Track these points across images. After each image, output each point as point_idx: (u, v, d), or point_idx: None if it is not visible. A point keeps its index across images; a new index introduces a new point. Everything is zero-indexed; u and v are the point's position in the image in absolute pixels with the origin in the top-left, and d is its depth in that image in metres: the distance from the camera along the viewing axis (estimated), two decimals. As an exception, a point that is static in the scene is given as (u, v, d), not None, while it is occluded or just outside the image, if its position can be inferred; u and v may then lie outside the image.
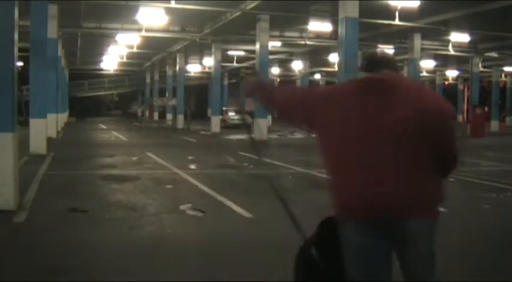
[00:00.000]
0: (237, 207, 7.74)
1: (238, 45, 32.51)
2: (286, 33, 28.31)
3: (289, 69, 46.36)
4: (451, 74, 46.35)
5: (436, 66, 39.69)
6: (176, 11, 21.06)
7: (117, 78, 63.62)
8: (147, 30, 24.43)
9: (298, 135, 27.94)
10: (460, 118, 43.74)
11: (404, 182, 2.50)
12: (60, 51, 28.86)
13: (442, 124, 2.57)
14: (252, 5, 20.09)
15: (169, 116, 45.28)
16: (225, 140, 24.42)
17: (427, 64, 36.17)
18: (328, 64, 38.00)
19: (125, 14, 23.11)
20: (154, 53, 39.74)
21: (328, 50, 31.10)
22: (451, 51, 28.30)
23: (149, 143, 21.55)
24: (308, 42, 27.93)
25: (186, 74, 42.53)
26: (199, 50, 35.63)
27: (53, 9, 19.48)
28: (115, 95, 75.36)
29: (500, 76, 42.57)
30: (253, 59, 29.78)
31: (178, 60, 37.74)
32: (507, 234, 6.67)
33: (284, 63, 44.10)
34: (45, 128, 16.16)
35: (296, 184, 10.36)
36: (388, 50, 31.42)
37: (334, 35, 22.51)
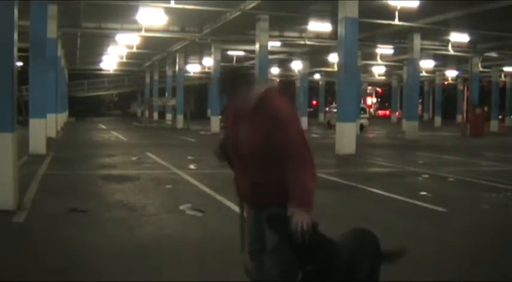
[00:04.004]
0: (237, 207, 7.72)
1: (237, 45, 32.52)
2: (286, 33, 28.32)
3: (289, 69, 46.40)
4: (451, 74, 46.39)
5: (435, 66, 39.73)
6: (176, 11, 21.07)
7: (116, 78, 63.68)
8: (146, 30, 24.43)
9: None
10: (459, 118, 43.84)
11: None
12: (60, 51, 28.86)
13: None
14: (252, 5, 20.08)
15: (169, 116, 45.31)
16: (225, 140, 24.38)
17: (427, 64, 36.20)
18: (327, 64, 38.04)
19: (125, 14, 23.12)
20: (154, 53, 39.75)
21: (328, 50, 31.11)
22: (451, 51, 28.33)
23: (149, 143, 21.55)
24: (308, 42, 27.95)
25: (186, 74, 42.54)
26: (198, 50, 35.66)
27: (52, 9, 19.48)
28: (115, 95, 75.41)
29: (500, 76, 42.59)
30: (252, 59, 29.78)
31: (178, 60, 37.74)
32: (507, 234, 6.67)
33: (284, 63, 44.13)
34: (44, 128, 16.16)
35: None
36: (387, 49, 31.55)
37: (334, 35, 22.52)
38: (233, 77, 3.15)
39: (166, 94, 44.52)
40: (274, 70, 47.83)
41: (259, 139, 3.02)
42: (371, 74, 47.60)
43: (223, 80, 3.17)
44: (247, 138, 3.10)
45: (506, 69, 39.61)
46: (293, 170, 2.93)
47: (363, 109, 34.84)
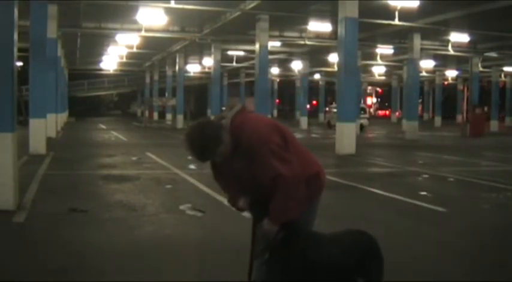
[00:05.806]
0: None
1: (237, 45, 32.53)
2: (286, 33, 28.31)
3: (289, 69, 46.41)
4: (451, 74, 46.38)
5: (435, 66, 39.73)
6: (176, 11, 21.07)
7: (116, 78, 63.68)
8: (146, 30, 24.43)
9: (298, 135, 27.97)
10: (459, 118, 43.84)
11: None
12: (60, 51, 28.86)
13: None
14: (252, 5, 20.08)
15: (169, 116, 45.32)
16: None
17: (427, 64, 36.19)
18: (327, 64, 38.04)
19: (125, 14, 23.12)
20: (154, 53, 39.75)
21: (328, 50, 31.11)
22: (451, 51, 28.33)
23: (149, 143, 21.55)
24: (308, 42, 27.95)
25: (186, 74, 42.54)
26: (199, 50, 35.65)
27: (52, 9, 19.49)
28: (115, 95, 75.41)
29: (500, 76, 42.58)
30: (252, 59, 29.77)
31: (178, 60, 37.74)
32: (507, 234, 6.67)
33: (284, 63, 44.13)
34: (44, 128, 16.17)
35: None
36: (387, 49, 31.54)
37: (334, 35, 22.52)
38: (202, 149, 3.00)
39: (166, 94, 44.52)
40: (274, 70, 47.85)
41: (252, 173, 3.05)
42: (371, 74, 47.60)
43: (194, 153, 3.02)
44: (243, 178, 3.13)
45: (506, 69, 39.60)
46: (276, 192, 2.99)
47: (363, 109, 34.84)
